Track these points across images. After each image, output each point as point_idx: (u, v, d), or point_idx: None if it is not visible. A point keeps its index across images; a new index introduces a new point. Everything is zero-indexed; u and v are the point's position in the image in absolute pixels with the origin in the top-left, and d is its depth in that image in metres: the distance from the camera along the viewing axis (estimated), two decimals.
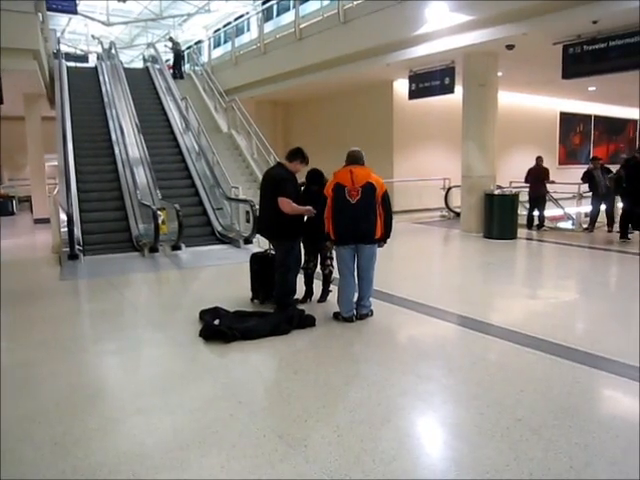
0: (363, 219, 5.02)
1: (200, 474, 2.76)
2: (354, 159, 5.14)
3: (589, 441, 3.00)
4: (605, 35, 8.76)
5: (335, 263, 5.51)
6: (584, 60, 9.15)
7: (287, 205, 5.22)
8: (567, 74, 9.53)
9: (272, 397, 3.79)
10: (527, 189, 11.51)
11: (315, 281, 6.01)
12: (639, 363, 4.03)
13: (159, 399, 3.66)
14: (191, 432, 3.17)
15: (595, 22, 8.42)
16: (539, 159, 11.55)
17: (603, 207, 10.96)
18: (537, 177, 11.35)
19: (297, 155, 5.48)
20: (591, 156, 14.17)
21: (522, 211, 11.60)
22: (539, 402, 3.49)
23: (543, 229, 11.45)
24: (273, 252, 5.79)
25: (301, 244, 5.68)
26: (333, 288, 5.76)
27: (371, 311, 5.37)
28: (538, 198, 11.40)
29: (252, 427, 3.20)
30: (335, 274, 5.69)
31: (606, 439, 3.03)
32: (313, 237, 5.58)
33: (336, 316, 5.28)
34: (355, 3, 12.35)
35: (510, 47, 9.99)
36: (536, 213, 11.53)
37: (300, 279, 5.86)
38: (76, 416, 3.42)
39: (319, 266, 5.92)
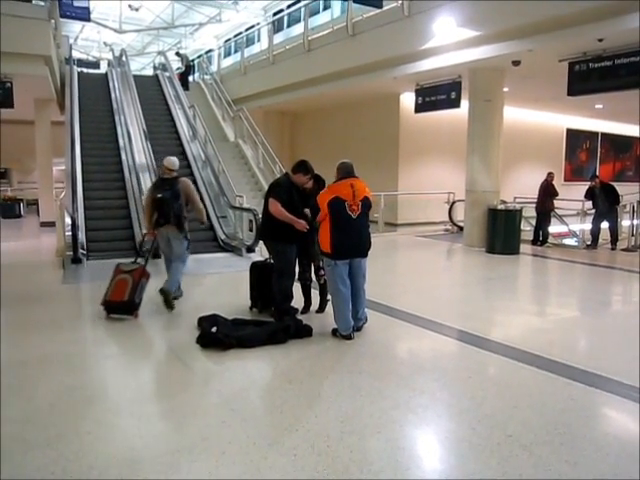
0: (364, 234, 5.00)
1: None
2: (351, 171, 5.03)
3: (579, 459, 2.99)
4: (611, 53, 8.79)
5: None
6: (590, 77, 9.18)
7: (273, 205, 5.30)
8: (573, 91, 9.55)
9: (265, 405, 3.80)
10: (532, 205, 11.52)
11: (313, 291, 6.02)
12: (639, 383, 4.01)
13: (153, 404, 3.69)
14: (182, 438, 3.19)
15: (601, 40, 8.46)
16: (550, 175, 11.62)
17: (606, 225, 10.97)
18: (545, 192, 11.37)
19: (300, 167, 5.51)
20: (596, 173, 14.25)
21: (525, 227, 11.59)
22: (532, 418, 3.48)
23: (546, 245, 11.43)
24: (272, 261, 5.81)
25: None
26: (330, 297, 5.79)
27: (365, 318, 5.33)
28: (543, 213, 11.39)
29: (242, 435, 3.21)
30: None
31: (596, 457, 3.02)
32: (304, 246, 5.61)
33: (334, 333, 5.14)
34: (364, 16, 12.45)
35: (516, 63, 10.04)
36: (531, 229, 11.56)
37: (299, 290, 5.89)
38: (70, 419, 3.45)
39: (314, 276, 5.92)
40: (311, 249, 5.65)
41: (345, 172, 5.01)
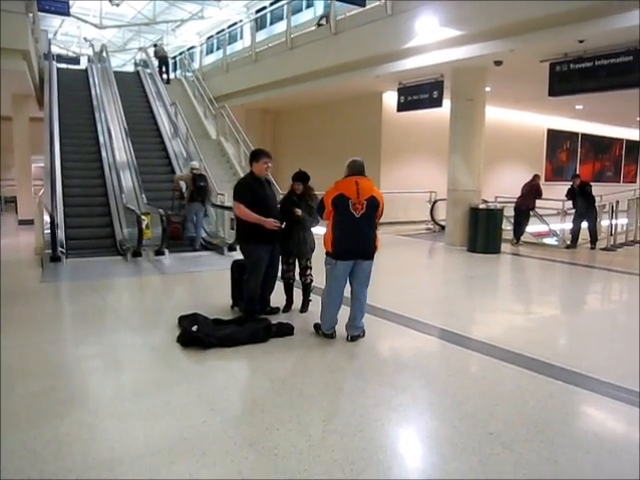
0: (366, 234, 4.80)
1: None
2: (359, 169, 4.86)
3: (559, 457, 3.00)
4: (591, 54, 8.89)
5: (313, 273, 5.45)
6: (570, 78, 9.27)
7: (237, 208, 5.27)
8: (553, 91, 9.64)
9: (246, 405, 3.77)
10: (513, 204, 11.59)
11: (296, 290, 6.00)
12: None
13: (132, 404, 3.63)
14: (162, 438, 3.15)
15: (581, 41, 8.56)
16: (537, 177, 11.80)
17: (585, 224, 11.07)
18: (529, 192, 11.46)
19: (254, 156, 5.44)
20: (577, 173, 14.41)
21: (507, 226, 11.68)
22: (512, 416, 3.49)
23: (519, 244, 11.52)
24: None
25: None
26: (313, 297, 5.77)
27: (363, 332, 5.05)
28: (521, 211, 11.47)
29: (223, 435, 3.18)
30: (315, 284, 5.71)
31: (576, 455, 3.04)
32: (287, 246, 5.59)
33: (316, 328, 5.12)
34: (347, 15, 12.43)
35: (498, 63, 10.11)
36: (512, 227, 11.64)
37: (281, 288, 5.88)
38: (48, 420, 3.38)
39: (298, 276, 5.87)
40: (302, 248, 5.62)
41: (351, 170, 4.86)
